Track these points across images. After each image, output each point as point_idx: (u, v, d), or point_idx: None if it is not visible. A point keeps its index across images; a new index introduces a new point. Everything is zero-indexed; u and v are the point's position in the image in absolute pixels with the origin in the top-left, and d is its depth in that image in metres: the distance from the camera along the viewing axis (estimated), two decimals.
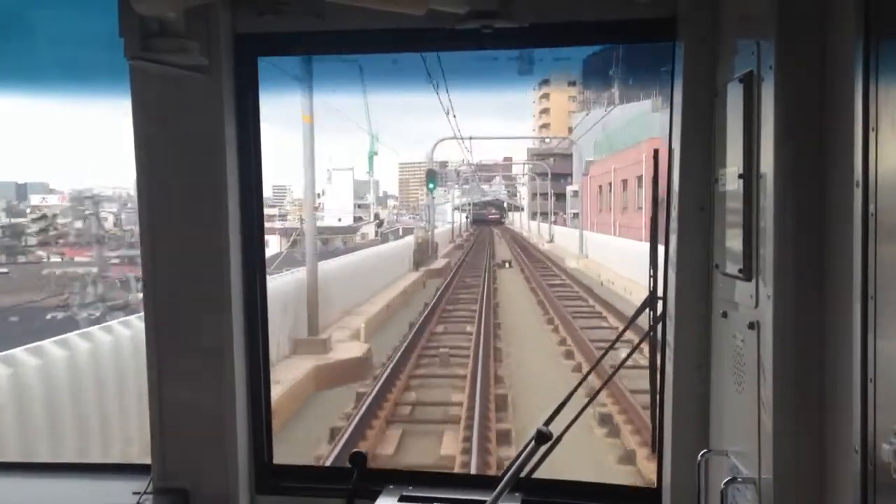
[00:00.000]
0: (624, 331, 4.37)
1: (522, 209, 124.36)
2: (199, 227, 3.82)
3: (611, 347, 4.58)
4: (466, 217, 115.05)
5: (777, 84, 2.58)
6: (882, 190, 2.14)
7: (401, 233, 75.22)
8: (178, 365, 3.90)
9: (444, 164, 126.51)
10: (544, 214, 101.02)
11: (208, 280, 3.83)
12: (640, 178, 49.41)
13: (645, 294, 3.71)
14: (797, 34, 2.58)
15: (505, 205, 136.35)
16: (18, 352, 10.40)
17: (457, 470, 12.83)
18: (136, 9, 3.13)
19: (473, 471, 12.60)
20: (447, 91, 35.88)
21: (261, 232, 4.00)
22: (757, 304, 2.76)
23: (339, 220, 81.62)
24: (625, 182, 55.00)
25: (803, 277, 2.60)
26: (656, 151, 3.70)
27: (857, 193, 2.23)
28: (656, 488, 3.68)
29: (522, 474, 3.38)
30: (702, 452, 3.19)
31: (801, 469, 2.64)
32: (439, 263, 49.93)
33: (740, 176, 2.83)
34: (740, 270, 2.85)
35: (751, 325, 2.78)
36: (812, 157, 2.57)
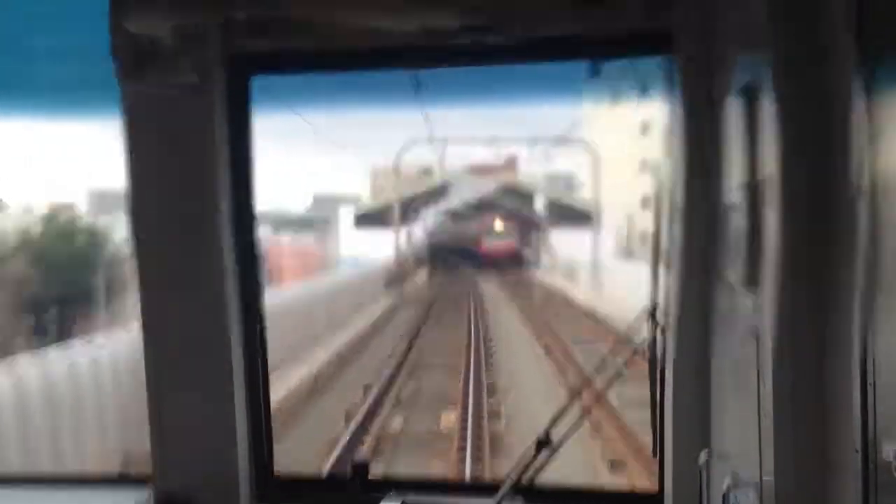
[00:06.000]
0: (623, 338, 4.37)
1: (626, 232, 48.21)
2: (194, 242, 3.82)
3: (609, 353, 4.59)
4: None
5: (778, 96, 2.59)
6: (885, 200, 2.14)
7: None
8: (177, 375, 3.90)
9: None
10: None
11: (205, 292, 3.83)
12: None
13: None
14: (796, 45, 2.59)
15: (538, 210, 59.00)
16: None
17: None
18: (129, 27, 3.13)
19: None
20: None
21: (256, 242, 4.01)
22: (757, 312, 2.77)
23: None
24: None
25: (804, 286, 2.61)
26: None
27: (860, 204, 2.24)
28: (658, 493, 3.69)
29: (523, 481, 3.40)
30: (703, 457, 3.20)
31: (803, 472, 2.65)
32: None
33: (742, 186, 2.84)
34: (741, 279, 2.87)
35: (751, 332, 2.79)
36: (813, 167, 2.57)
